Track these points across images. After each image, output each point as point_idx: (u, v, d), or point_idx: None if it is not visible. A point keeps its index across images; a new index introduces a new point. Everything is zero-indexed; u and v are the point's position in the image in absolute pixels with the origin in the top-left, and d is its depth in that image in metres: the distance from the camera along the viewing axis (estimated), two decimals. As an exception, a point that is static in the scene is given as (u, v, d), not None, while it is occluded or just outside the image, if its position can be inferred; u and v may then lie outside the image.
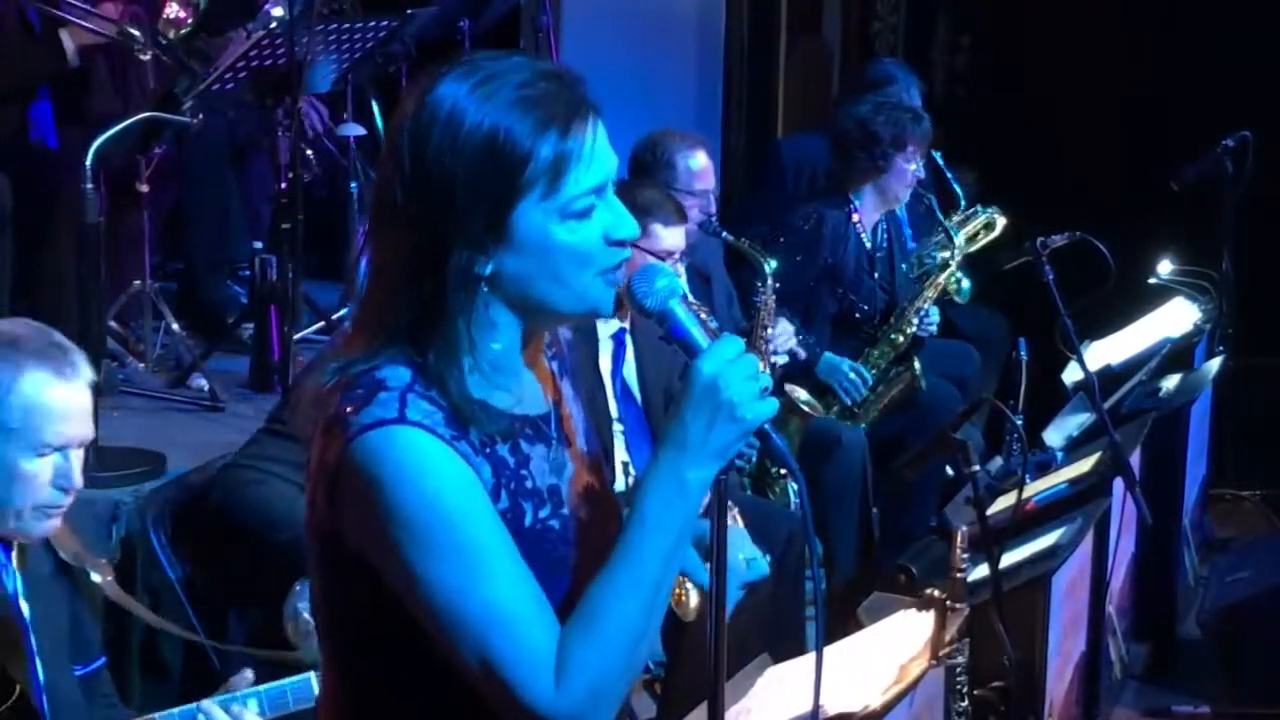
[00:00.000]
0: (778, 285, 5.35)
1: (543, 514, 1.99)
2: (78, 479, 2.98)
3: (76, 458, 2.98)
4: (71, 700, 3.07)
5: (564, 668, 1.87)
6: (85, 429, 3.00)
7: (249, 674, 3.13)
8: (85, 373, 2.99)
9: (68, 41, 5.45)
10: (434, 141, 1.90)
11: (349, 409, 1.90)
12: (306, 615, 3.46)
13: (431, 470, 1.88)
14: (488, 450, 1.95)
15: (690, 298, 2.16)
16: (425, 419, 1.89)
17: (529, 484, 1.98)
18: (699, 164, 5.47)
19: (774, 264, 5.36)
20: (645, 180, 5.08)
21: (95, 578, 3.15)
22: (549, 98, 1.92)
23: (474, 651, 1.88)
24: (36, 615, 3.01)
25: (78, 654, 3.13)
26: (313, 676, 3.13)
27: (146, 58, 5.54)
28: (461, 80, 1.93)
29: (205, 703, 3.05)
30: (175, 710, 3.06)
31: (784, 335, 5.39)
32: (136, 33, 5.44)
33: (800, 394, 5.40)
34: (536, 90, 1.92)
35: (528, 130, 1.90)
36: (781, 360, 5.39)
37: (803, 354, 5.48)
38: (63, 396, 2.94)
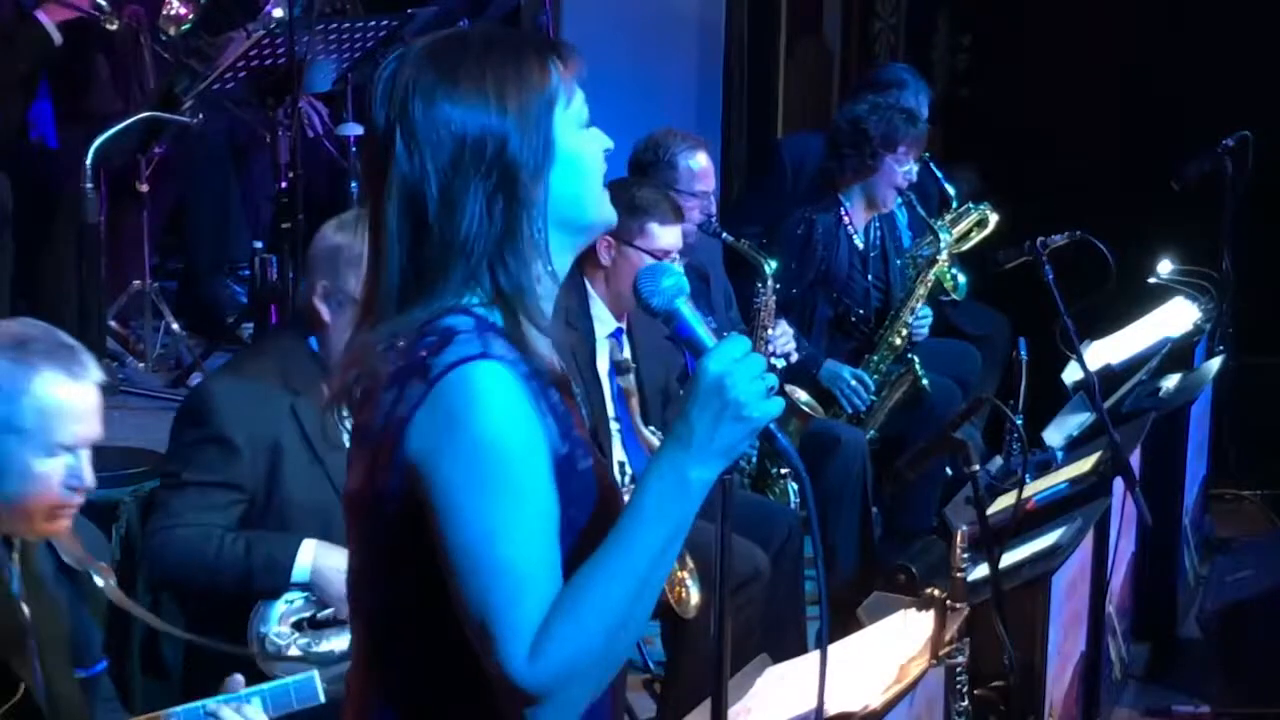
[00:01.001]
0: (778, 286, 5.35)
1: (589, 461, 2.04)
2: (89, 478, 2.99)
3: (86, 457, 2.99)
4: (72, 703, 3.07)
5: (540, 641, 1.90)
6: (96, 428, 3.00)
7: (239, 678, 3.12)
8: (94, 372, 3.00)
9: (43, 18, 5.44)
10: (473, 138, 1.98)
11: (425, 354, 1.95)
12: (273, 636, 3.45)
13: (507, 410, 1.93)
14: (546, 395, 2.00)
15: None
16: (507, 353, 1.95)
17: (575, 432, 2.03)
18: (700, 165, 5.46)
19: (774, 265, 5.36)
20: (642, 179, 5.08)
21: (98, 580, 3.15)
22: (527, 43, 2.05)
23: (475, 599, 1.91)
24: (37, 616, 3.00)
25: (79, 657, 3.12)
26: (316, 675, 3.12)
27: (114, 27, 5.52)
28: (447, 51, 2.01)
29: (210, 703, 3.05)
30: (179, 709, 3.05)
31: (784, 336, 5.39)
32: (104, 3, 5.43)
33: (800, 395, 5.39)
34: (513, 42, 2.04)
35: (537, 63, 2.02)
36: (779, 364, 5.38)
37: (795, 357, 5.46)
38: (75, 396, 2.94)
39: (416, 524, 1.95)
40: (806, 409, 5.39)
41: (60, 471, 2.94)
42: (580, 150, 2.04)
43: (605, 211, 2.09)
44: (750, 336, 5.22)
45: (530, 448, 1.94)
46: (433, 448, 1.92)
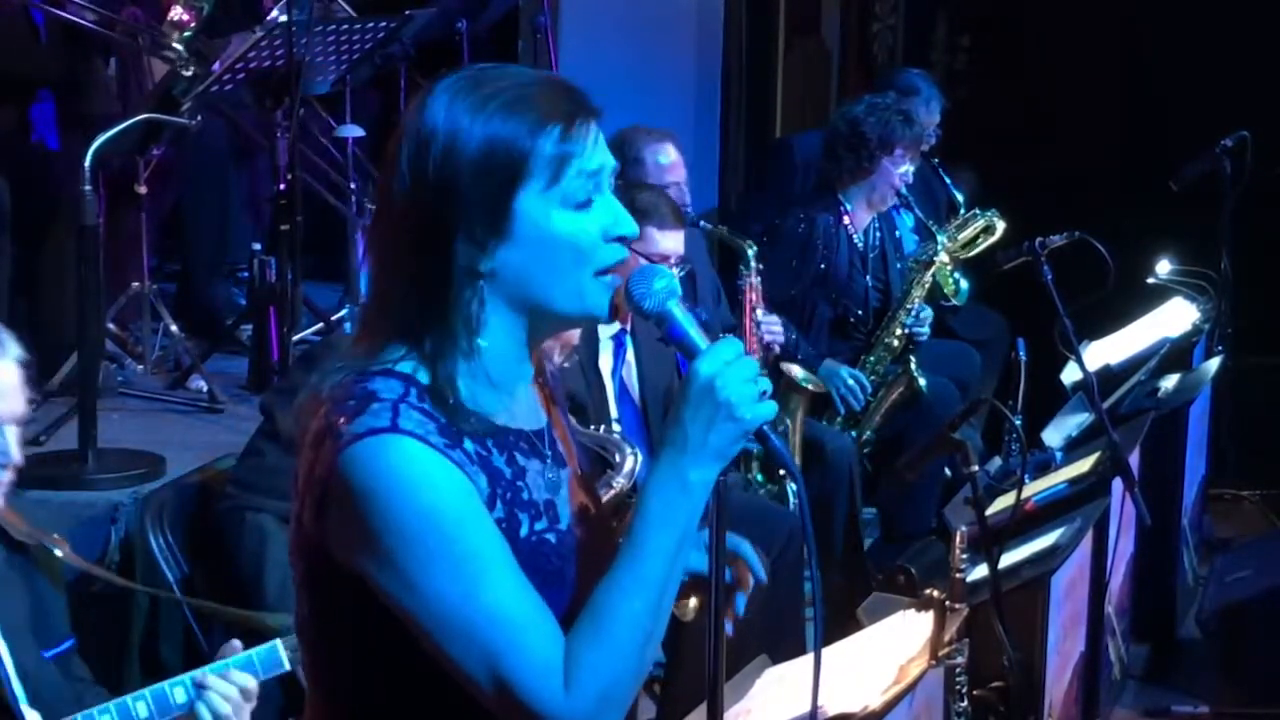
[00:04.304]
0: (760, 268, 5.32)
1: (539, 526, 1.97)
2: (15, 453, 2.99)
3: (12, 434, 2.99)
4: (48, 682, 3.06)
5: (573, 672, 1.87)
6: (17, 405, 3.01)
7: (237, 644, 3.12)
8: (13, 349, 3.01)
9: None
10: (433, 153, 1.91)
11: (341, 420, 1.88)
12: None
13: (426, 480, 1.86)
14: (482, 460, 1.93)
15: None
16: (418, 428, 1.88)
17: (525, 495, 1.97)
18: (669, 158, 5.45)
19: (754, 249, 5.34)
20: (643, 184, 5.06)
21: (57, 553, 3.15)
22: (549, 98, 1.94)
23: (481, 661, 1.86)
24: None
25: (43, 637, 3.11)
26: (279, 644, 3.11)
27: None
28: (459, 87, 1.93)
29: (198, 673, 3.04)
30: (164, 683, 3.04)
31: (772, 322, 5.35)
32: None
33: (797, 372, 5.35)
34: (536, 90, 1.94)
35: (527, 129, 1.91)
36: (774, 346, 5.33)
37: (777, 349, 5.41)
38: None
39: (337, 576, 1.91)
40: (809, 385, 5.35)
41: None
42: (553, 232, 1.92)
43: (585, 303, 1.96)
44: (738, 323, 5.22)
45: (457, 499, 1.87)
46: (352, 526, 1.87)
